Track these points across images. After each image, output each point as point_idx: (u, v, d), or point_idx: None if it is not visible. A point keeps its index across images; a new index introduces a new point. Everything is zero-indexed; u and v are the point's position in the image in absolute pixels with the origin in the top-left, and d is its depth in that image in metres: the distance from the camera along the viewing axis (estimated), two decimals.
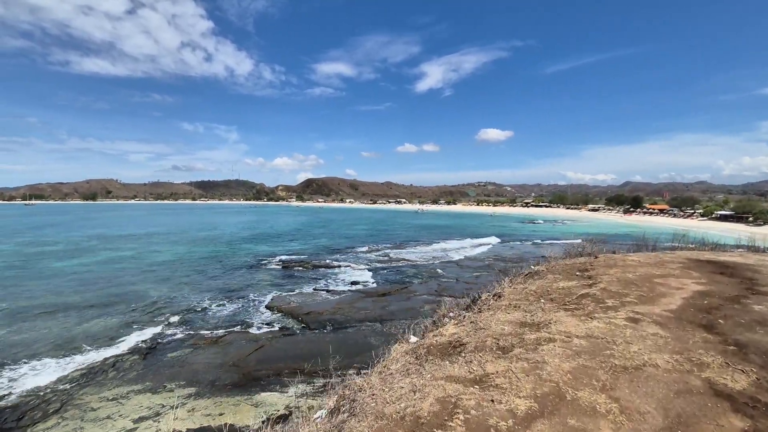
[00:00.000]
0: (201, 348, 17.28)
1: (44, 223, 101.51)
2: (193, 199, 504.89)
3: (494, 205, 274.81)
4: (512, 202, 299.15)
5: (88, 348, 17.05)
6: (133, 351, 16.79)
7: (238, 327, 20.03)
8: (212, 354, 16.56)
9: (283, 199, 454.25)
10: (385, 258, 42.67)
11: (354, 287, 28.57)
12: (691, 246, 8.85)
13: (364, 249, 51.13)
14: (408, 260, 41.07)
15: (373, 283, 30.28)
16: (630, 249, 9.27)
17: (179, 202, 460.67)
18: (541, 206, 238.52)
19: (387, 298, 25.52)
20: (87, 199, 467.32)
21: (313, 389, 13.44)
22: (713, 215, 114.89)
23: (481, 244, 57.77)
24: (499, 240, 64.85)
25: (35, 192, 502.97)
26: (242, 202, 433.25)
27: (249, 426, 11.21)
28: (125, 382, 14.03)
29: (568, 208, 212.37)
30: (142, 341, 17.92)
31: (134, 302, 24.49)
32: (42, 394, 13.10)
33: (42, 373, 14.58)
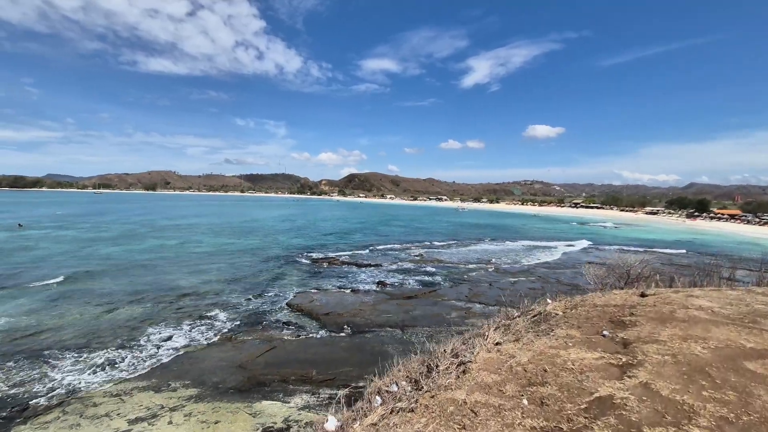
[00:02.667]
0: (215, 344, 16.95)
1: (107, 210, 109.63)
2: (242, 191, 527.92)
3: (540, 205, 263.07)
4: (560, 202, 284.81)
5: (107, 339, 17.25)
6: (149, 344, 16.74)
7: (256, 324, 19.61)
8: (224, 352, 16.14)
9: (326, 194, 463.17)
10: (418, 258, 41.21)
11: (380, 288, 27.48)
12: None
13: (398, 247, 49.94)
14: (441, 261, 39.35)
15: (400, 284, 29.02)
16: (696, 276, 7.17)
17: (229, 193, 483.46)
18: (591, 207, 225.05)
19: (413, 302, 24.18)
20: (148, 189, 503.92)
21: (317, 401, 12.48)
22: None
23: (520, 248, 54.63)
24: (537, 243, 61.07)
25: (104, 182, 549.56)
26: (287, 195, 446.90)
27: None
28: (133, 377, 13.85)
29: (621, 210, 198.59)
30: (161, 334, 17.91)
31: (164, 293, 24.93)
32: (51, 385, 13.17)
33: (58, 366, 14.76)
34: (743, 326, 3.35)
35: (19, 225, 62.56)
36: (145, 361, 15.06)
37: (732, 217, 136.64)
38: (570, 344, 3.32)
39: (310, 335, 18.33)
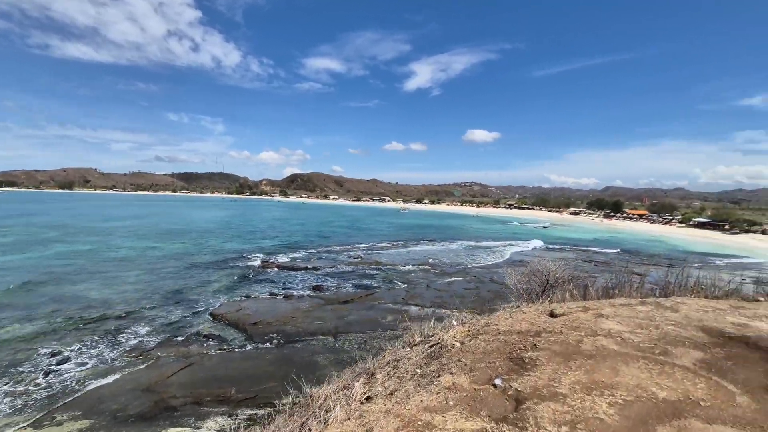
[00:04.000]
0: (119, 366, 15.00)
1: (8, 212, 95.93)
2: (174, 191, 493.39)
3: (478, 206, 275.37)
4: (496, 203, 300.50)
5: None
6: (37, 370, 14.40)
7: (172, 339, 17.76)
8: (129, 374, 14.30)
9: (267, 194, 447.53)
10: (357, 260, 40.63)
11: (315, 293, 26.48)
12: (695, 288, 6.52)
13: (337, 249, 49.01)
14: (380, 263, 39.12)
15: (336, 288, 28.23)
16: (609, 282, 7.21)
17: (159, 193, 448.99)
18: (523, 208, 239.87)
19: (348, 306, 23.52)
20: (63, 188, 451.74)
21: (235, 424, 11.34)
22: (691, 222, 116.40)
23: (459, 249, 56.28)
24: (475, 243, 63.47)
25: (8, 179, 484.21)
26: (224, 195, 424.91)
27: None
28: (11, 410, 11.70)
29: (549, 211, 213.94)
30: (54, 357, 15.52)
31: (66, 307, 21.91)
32: None
33: None
34: (655, 361, 3.07)
35: None
36: (28, 393, 12.84)
37: (641, 216, 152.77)
38: (451, 403, 2.63)
39: (234, 348, 16.94)
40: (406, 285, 29.80)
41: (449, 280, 32.44)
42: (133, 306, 22.39)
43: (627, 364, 2.92)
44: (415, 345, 4.86)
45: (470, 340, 3.75)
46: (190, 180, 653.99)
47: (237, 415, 11.76)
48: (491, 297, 24.28)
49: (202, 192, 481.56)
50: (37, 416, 11.46)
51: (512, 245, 60.70)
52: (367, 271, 34.65)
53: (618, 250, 60.00)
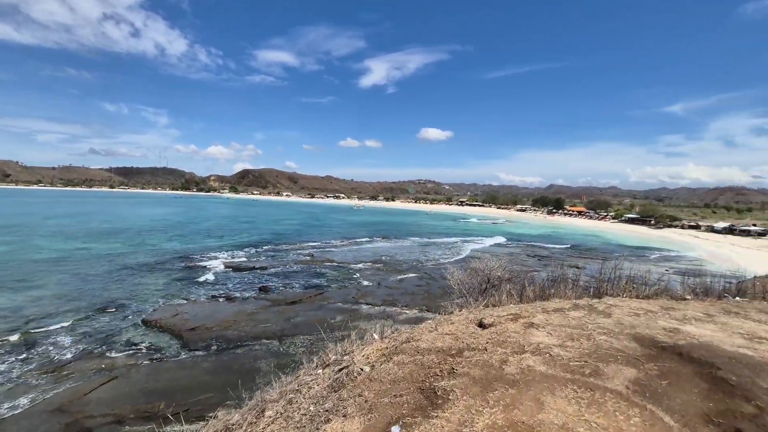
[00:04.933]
0: (27, 384, 13.23)
1: None
2: (111, 186, 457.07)
3: (431, 203, 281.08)
4: (449, 200, 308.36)
5: None
6: None
7: (95, 350, 16.06)
8: (38, 392, 12.65)
9: (216, 190, 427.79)
10: (308, 258, 39.57)
11: (261, 294, 25.29)
12: (627, 287, 6.56)
13: (288, 248, 47.51)
14: (332, 261, 38.36)
15: (284, 287, 27.18)
16: (547, 280, 7.15)
17: (94, 189, 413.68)
18: (474, 205, 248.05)
19: (296, 307, 22.67)
20: None
21: None
22: (623, 218, 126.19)
23: (411, 245, 56.77)
24: (428, 240, 64.43)
25: None
26: (168, 192, 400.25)
27: None
28: None
29: (499, 208, 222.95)
30: None
31: None
32: None
33: None
34: (585, 386, 2.78)
35: None
36: None
37: (580, 213, 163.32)
38: None
39: (167, 358, 15.61)
40: (357, 283, 29.35)
41: (401, 277, 32.41)
42: (51, 315, 20.06)
43: (553, 392, 2.58)
44: (327, 366, 4.36)
45: (383, 363, 3.33)
46: (130, 175, 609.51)
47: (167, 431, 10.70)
48: (441, 294, 24.44)
49: (143, 188, 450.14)
50: None
51: (467, 241, 62.22)
52: (317, 270, 33.78)
53: (560, 245, 63.46)
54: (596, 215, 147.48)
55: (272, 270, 33.19)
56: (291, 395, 3.74)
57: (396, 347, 3.69)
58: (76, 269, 31.20)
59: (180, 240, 52.40)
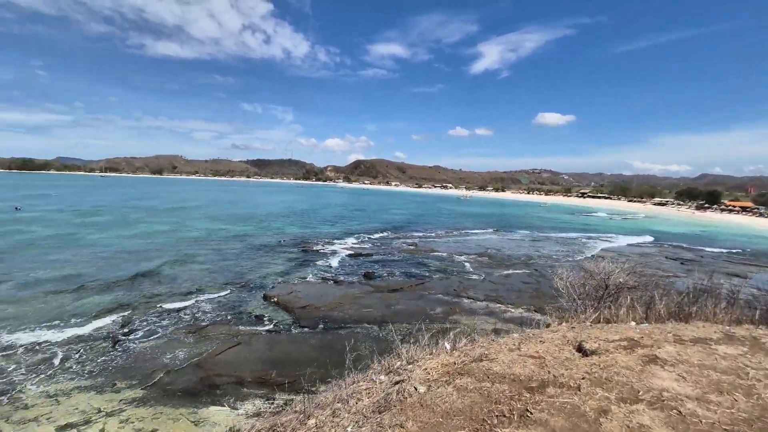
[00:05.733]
0: (175, 339, 15.92)
1: (108, 194, 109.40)
2: (248, 176, 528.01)
3: (546, 194, 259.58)
4: (567, 191, 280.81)
5: (66, 329, 16.29)
6: (106, 336, 15.76)
7: (225, 317, 18.57)
8: (182, 348, 15.09)
9: (331, 180, 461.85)
10: (412, 247, 39.93)
11: (366, 279, 26.30)
12: None
13: (393, 236, 48.68)
14: (435, 251, 38.05)
15: (388, 275, 27.83)
16: (685, 297, 5.50)
17: (235, 179, 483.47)
18: (599, 197, 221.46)
19: (397, 295, 23.00)
20: (155, 173, 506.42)
21: (270, 407, 11.35)
22: None
23: (520, 239, 53.17)
24: (541, 234, 59.46)
25: (112, 165, 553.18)
26: (291, 181, 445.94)
27: None
28: (77, 374, 12.85)
29: (630, 201, 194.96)
30: (122, 325, 16.93)
31: (140, 281, 23.98)
32: None
33: (9, 349, 13.83)
34: None
35: (16, 208, 62.12)
36: (96, 357, 14.06)
37: (744, 209, 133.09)
38: None
39: (281, 331, 17.24)
40: (459, 276, 28.54)
41: (508, 272, 30.53)
42: (196, 284, 23.88)
43: None
44: (390, 372, 3.96)
45: (442, 385, 2.78)
46: (262, 166, 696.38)
47: (274, 400, 11.78)
48: (552, 294, 22.21)
49: (272, 178, 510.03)
50: (101, 381, 12.44)
51: (591, 238, 55.90)
52: (420, 260, 33.83)
53: (712, 248, 52.59)
54: None
55: (377, 257, 34.32)
56: (339, 404, 3.51)
57: (464, 365, 3.12)
58: (216, 247, 36.68)
59: (299, 225, 57.82)
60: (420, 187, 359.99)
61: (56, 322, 17.09)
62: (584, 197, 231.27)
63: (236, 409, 11.31)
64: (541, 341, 3.55)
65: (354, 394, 3.70)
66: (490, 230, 60.25)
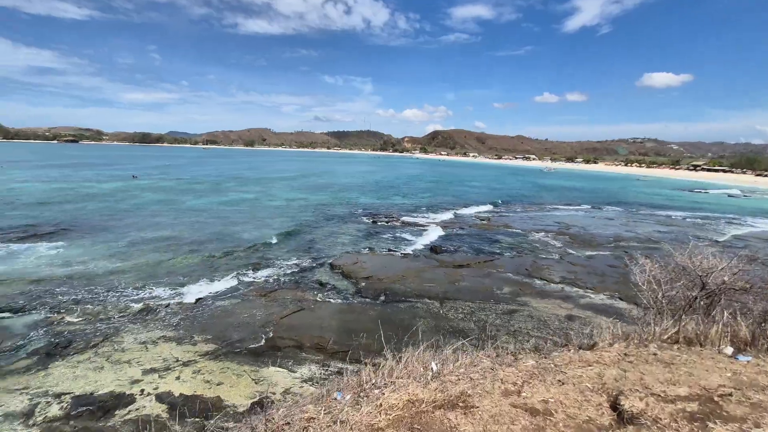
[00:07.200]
0: (248, 300, 17.14)
1: (207, 164, 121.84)
2: (328, 147, 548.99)
3: (648, 167, 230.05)
4: (675, 163, 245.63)
5: (159, 285, 18.45)
6: (193, 294, 17.51)
7: (293, 283, 19.53)
8: (255, 308, 16.19)
9: (408, 151, 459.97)
10: (484, 222, 38.16)
11: (431, 253, 25.74)
12: None
13: (465, 209, 47.01)
14: (509, 227, 35.92)
15: (455, 250, 26.93)
16: None
17: (316, 150, 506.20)
18: (716, 170, 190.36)
19: (462, 271, 22.16)
20: (247, 145, 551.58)
21: (325, 373, 11.72)
22: None
23: (609, 216, 47.88)
24: (638, 212, 52.90)
25: (211, 138, 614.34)
26: (369, 152, 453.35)
27: (234, 405, 10.21)
28: (164, 326, 14.48)
29: (758, 175, 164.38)
30: (207, 285, 18.68)
31: (225, 244, 26.22)
32: (96, 326, 14.32)
33: (106, 308, 16.10)
34: None
35: (133, 176, 71.97)
36: (180, 312, 15.71)
37: None
38: None
39: (342, 300, 17.63)
40: (534, 254, 26.57)
41: (591, 253, 27.69)
42: (272, 249, 25.47)
43: None
44: (357, 392, 3.26)
45: None
46: (341, 138, 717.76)
47: (329, 367, 12.11)
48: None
49: (351, 149, 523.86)
50: (182, 334, 13.89)
51: (712, 219, 48.53)
52: (492, 235, 32.18)
53: None
54: None
55: (446, 231, 33.42)
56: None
57: (427, 411, 2.33)
58: (293, 215, 38.74)
59: (371, 195, 58.65)
60: (500, 158, 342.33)
61: (153, 278, 19.47)
62: (697, 170, 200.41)
63: (293, 372, 11.84)
64: (559, 381, 2.59)
65: (297, 422, 3.16)
66: (574, 206, 55.18)
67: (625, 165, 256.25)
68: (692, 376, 2.39)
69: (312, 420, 2.58)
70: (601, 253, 27.89)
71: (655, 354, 2.92)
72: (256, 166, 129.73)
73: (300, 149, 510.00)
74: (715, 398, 2.15)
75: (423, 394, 2.65)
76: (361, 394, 3.15)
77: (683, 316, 3.83)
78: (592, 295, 19.19)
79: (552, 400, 2.34)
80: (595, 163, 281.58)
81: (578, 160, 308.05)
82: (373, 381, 3.48)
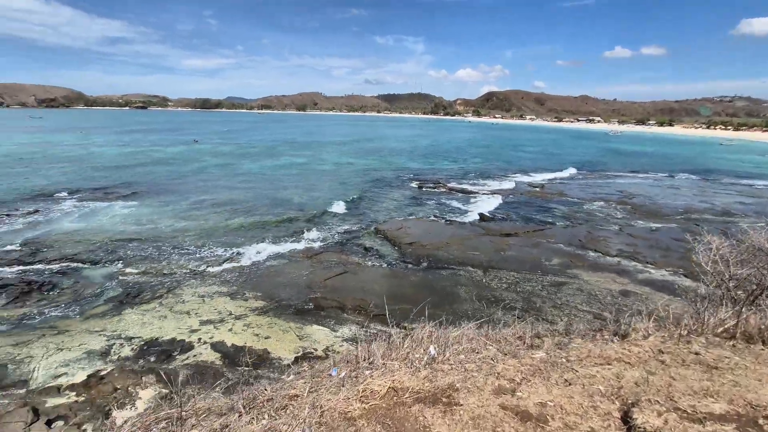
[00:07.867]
0: (297, 261, 17.92)
1: (262, 129, 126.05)
2: (378, 111, 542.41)
3: (736, 129, 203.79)
4: None
5: (215, 245, 19.77)
6: (246, 254, 18.59)
7: (338, 246, 20.07)
8: (302, 269, 16.92)
9: (460, 114, 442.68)
10: (537, 189, 36.32)
11: (478, 221, 25.11)
12: None
13: (518, 176, 44.84)
14: (564, 195, 33.92)
15: (503, 218, 26.03)
16: None
17: (366, 114, 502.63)
18: None
19: (510, 240, 21.44)
20: (299, 110, 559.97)
21: (365, 335, 12.10)
22: None
23: (679, 185, 43.53)
24: (717, 181, 47.52)
25: (266, 103, 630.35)
26: (420, 116, 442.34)
27: (280, 358, 10.90)
28: (221, 282, 15.61)
29: None
30: (259, 245, 19.72)
31: (276, 207, 27.35)
32: (161, 279, 15.76)
33: (170, 265, 17.57)
34: None
35: (195, 141, 76.26)
36: (235, 270, 16.81)
37: None
38: None
39: (385, 264, 17.88)
40: (589, 225, 25.01)
41: (656, 225, 25.52)
42: (320, 213, 26.15)
43: None
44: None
45: None
46: (392, 101, 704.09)
47: (369, 329, 12.48)
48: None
49: (401, 112, 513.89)
50: (235, 290, 14.92)
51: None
52: (544, 204, 30.62)
53: None
54: None
55: (496, 198, 32.26)
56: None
57: (400, 402, 2.05)
58: (342, 179, 39.30)
59: (420, 160, 57.72)
60: (560, 121, 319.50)
61: (212, 237, 20.89)
62: None
63: (335, 331, 12.37)
64: (566, 381, 2.27)
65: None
66: (642, 173, 50.64)
67: (707, 127, 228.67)
68: (737, 387, 1.96)
69: (295, 398, 2.58)
70: (668, 225, 25.60)
71: (697, 354, 2.48)
72: (308, 131, 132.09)
73: (350, 113, 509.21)
74: (761, 420, 1.77)
75: (409, 382, 2.53)
76: (352, 374, 3.12)
77: (746, 307, 3.27)
78: (653, 270, 17.83)
79: (551, 404, 2.07)
80: (671, 125, 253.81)
81: (651, 122, 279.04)
82: (370, 360, 3.43)
